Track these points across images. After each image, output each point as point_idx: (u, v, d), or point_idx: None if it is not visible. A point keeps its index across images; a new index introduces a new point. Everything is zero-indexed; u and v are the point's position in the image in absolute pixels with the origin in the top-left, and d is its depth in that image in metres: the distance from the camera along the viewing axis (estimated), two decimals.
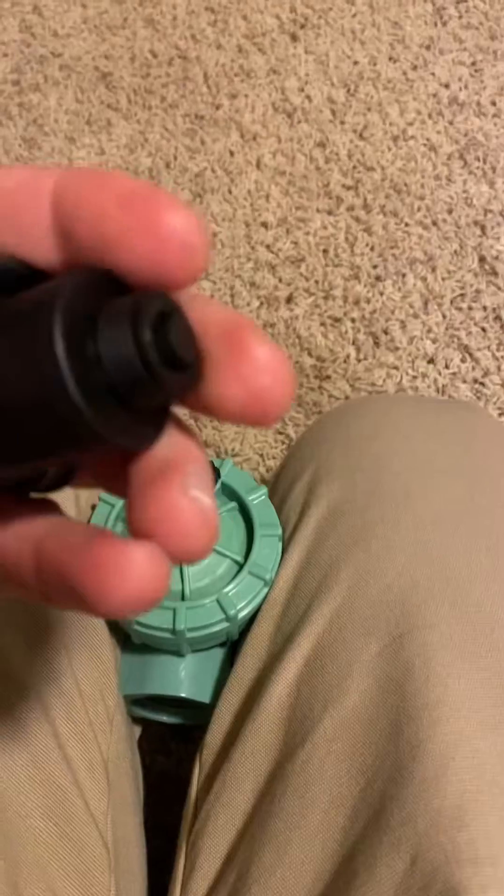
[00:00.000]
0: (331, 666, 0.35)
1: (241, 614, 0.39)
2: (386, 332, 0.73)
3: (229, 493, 0.43)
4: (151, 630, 0.39)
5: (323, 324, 0.74)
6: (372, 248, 0.78)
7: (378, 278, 0.76)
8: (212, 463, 0.42)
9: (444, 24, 0.94)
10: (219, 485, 0.43)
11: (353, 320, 0.74)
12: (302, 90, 0.90)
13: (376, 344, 0.73)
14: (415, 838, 0.28)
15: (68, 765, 0.35)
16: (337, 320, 0.74)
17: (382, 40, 0.93)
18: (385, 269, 0.77)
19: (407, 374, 0.71)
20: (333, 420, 0.48)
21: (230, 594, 0.39)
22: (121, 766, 0.39)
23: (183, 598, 0.40)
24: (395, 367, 0.71)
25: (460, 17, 0.94)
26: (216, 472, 0.42)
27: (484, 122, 0.86)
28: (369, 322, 0.74)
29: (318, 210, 0.81)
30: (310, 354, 0.73)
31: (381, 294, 0.75)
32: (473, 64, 0.91)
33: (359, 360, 0.72)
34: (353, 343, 0.73)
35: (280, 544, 0.41)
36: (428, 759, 0.29)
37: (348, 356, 0.72)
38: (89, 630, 0.40)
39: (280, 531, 0.41)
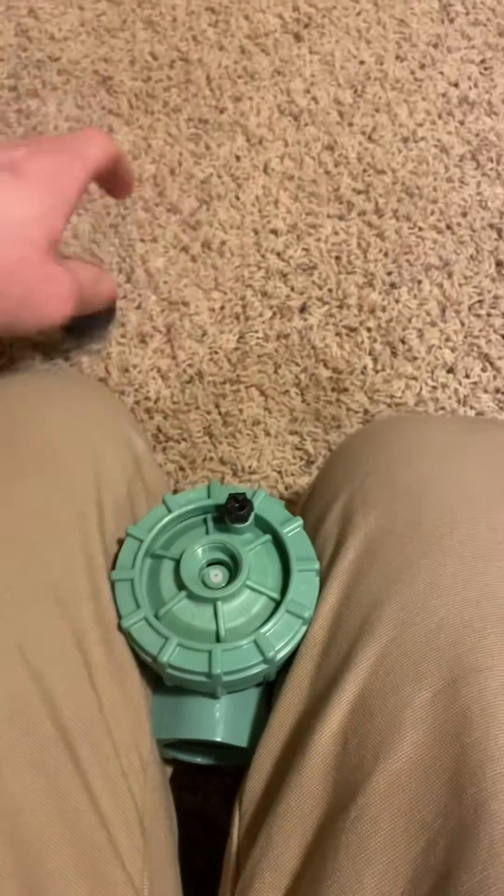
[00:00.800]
0: (379, 713, 0.33)
1: (280, 655, 0.37)
2: (403, 342, 0.71)
3: (263, 525, 0.41)
4: (186, 674, 0.37)
5: (338, 334, 0.72)
6: (386, 254, 0.76)
7: (393, 285, 0.74)
8: (244, 495, 0.40)
9: (452, 20, 0.91)
10: (252, 518, 0.40)
11: (368, 329, 0.72)
12: (308, 91, 0.87)
13: (394, 354, 0.71)
14: None
15: (101, 820, 0.33)
16: (352, 330, 0.72)
17: (389, 39, 0.90)
18: (400, 276, 0.74)
19: (426, 384, 0.69)
20: (363, 442, 0.46)
21: (268, 634, 0.37)
22: (157, 817, 0.37)
23: (218, 640, 0.38)
24: (414, 378, 0.69)
25: (467, 13, 0.92)
26: (248, 504, 0.40)
27: (496, 121, 0.84)
28: (386, 331, 0.72)
29: (328, 216, 0.79)
30: (326, 366, 0.71)
31: (397, 302, 0.73)
32: (483, 62, 0.88)
33: (376, 371, 0.70)
34: (370, 353, 0.71)
35: (318, 579, 0.39)
36: (495, 818, 0.27)
37: (365, 367, 0.70)
38: (121, 674, 0.38)
39: (317, 565, 0.39)
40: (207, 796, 0.55)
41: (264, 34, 0.92)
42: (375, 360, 0.70)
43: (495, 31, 0.90)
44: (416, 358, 0.70)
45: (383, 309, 0.73)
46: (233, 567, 0.40)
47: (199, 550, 0.40)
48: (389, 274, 0.75)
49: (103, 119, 0.87)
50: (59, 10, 0.94)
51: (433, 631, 0.34)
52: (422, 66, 0.89)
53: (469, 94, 0.86)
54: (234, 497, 0.39)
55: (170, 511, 0.41)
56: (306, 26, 0.92)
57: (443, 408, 0.68)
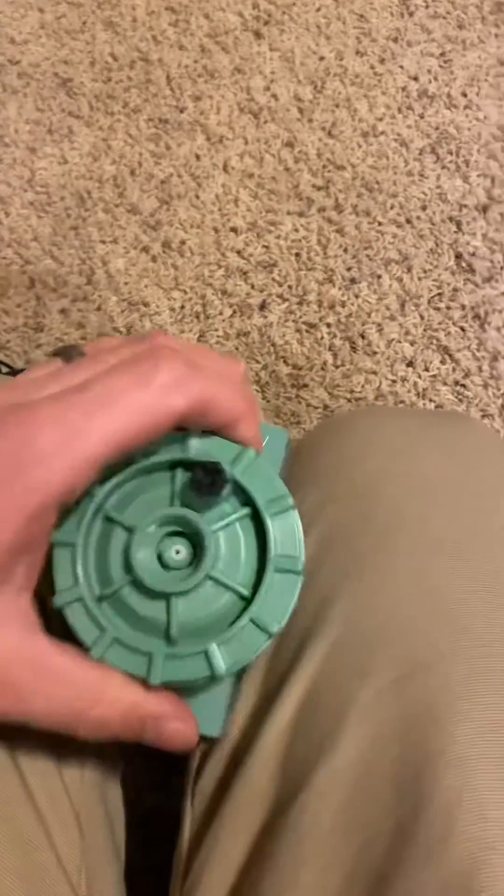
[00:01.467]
0: (325, 710, 0.33)
1: (233, 671, 0.31)
2: (363, 337, 0.71)
3: (244, 496, 0.31)
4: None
5: (298, 330, 0.72)
6: (345, 250, 0.76)
7: (353, 281, 0.74)
8: (216, 466, 0.30)
9: (411, 14, 0.91)
10: (227, 490, 0.31)
11: (328, 325, 0.72)
12: (268, 89, 0.87)
13: (353, 349, 0.71)
14: None
15: (38, 818, 0.33)
16: (312, 326, 0.72)
17: (348, 34, 0.90)
18: (360, 271, 0.74)
19: (386, 378, 0.69)
20: (320, 440, 0.46)
21: (221, 648, 0.30)
22: (95, 814, 0.37)
23: (167, 638, 0.31)
24: (374, 372, 0.69)
25: (427, 6, 0.92)
26: (220, 479, 0.30)
27: (455, 114, 0.84)
28: (345, 326, 0.72)
29: (288, 212, 0.79)
30: (286, 363, 0.71)
31: (357, 297, 0.73)
32: (442, 55, 0.88)
33: (336, 367, 0.70)
34: (330, 349, 0.71)
35: (300, 584, 0.31)
36: (432, 818, 0.27)
37: (325, 363, 0.70)
38: None
39: (302, 568, 0.31)
40: (169, 794, 0.55)
41: (224, 32, 0.92)
42: (335, 356, 0.70)
43: (455, 24, 0.90)
44: (375, 352, 0.70)
45: (343, 304, 0.73)
46: (196, 544, 0.32)
47: (153, 528, 0.31)
48: (349, 269, 0.75)
49: (64, 121, 0.87)
50: (18, 13, 0.94)
51: (380, 627, 0.34)
52: (381, 61, 0.89)
53: (429, 87, 0.86)
54: (203, 468, 0.29)
55: (129, 463, 0.31)
56: (266, 23, 0.92)
57: (402, 401, 0.68)
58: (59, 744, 0.36)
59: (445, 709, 0.30)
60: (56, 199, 0.81)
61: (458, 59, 0.88)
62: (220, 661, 0.30)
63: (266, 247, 0.77)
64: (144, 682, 0.30)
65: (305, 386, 0.70)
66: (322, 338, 0.71)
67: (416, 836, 0.27)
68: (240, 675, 0.36)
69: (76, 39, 0.92)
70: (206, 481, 0.30)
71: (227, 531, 0.31)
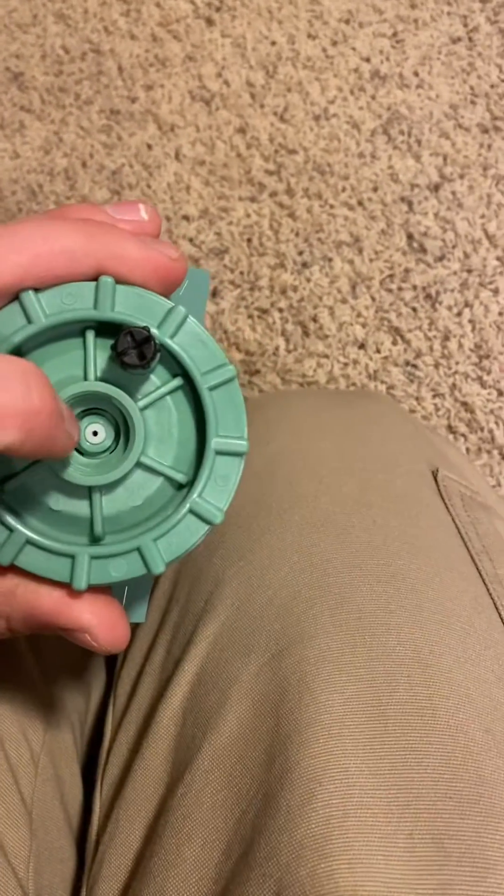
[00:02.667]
0: (212, 690, 0.33)
1: (171, 565, 0.27)
2: (315, 320, 0.71)
3: (176, 365, 0.26)
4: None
5: (250, 316, 0.72)
6: (297, 234, 0.75)
7: (304, 265, 0.74)
8: (145, 331, 0.24)
9: None
10: (156, 360, 0.25)
11: (280, 310, 0.72)
12: (220, 76, 0.87)
13: (305, 333, 0.70)
14: (278, 873, 0.25)
15: None
16: (264, 311, 0.72)
17: (300, 17, 0.90)
18: (311, 255, 0.74)
19: (338, 361, 0.69)
20: None
21: (158, 542, 0.25)
22: (48, 808, 0.37)
23: (92, 535, 0.26)
24: (326, 356, 0.69)
25: None
26: (151, 347, 0.24)
27: (407, 93, 0.83)
28: (297, 311, 0.71)
29: (240, 198, 0.78)
30: (238, 349, 0.70)
31: (309, 281, 0.73)
32: (395, 35, 0.88)
33: (289, 352, 0.70)
34: (282, 334, 0.71)
35: (242, 465, 0.26)
36: (295, 785, 0.27)
37: (277, 348, 0.70)
38: (8, 667, 0.38)
39: (245, 445, 0.26)
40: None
41: (176, 20, 0.91)
42: (287, 341, 0.70)
43: (407, 4, 0.89)
44: (327, 336, 0.70)
45: (295, 289, 0.72)
46: (120, 426, 0.27)
47: (68, 402, 0.25)
48: (301, 253, 0.74)
49: (15, 115, 0.86)
50: None
51: (265, 605, 0.33)
52: (334, 43, 0.88)
53: (381, 67, 0.85)
54: (130, 333, 0.24)
55: (30, 321, 0.25)
56: (218, 10, 0.91)
57: (353, 384, 0.68)
58: (11, 739, 0.36)
59: (320, 680, 0.30)
60: (7, 194, 0.81)
61: (410, 38, 0.87)
62: (158, 559, 0.25)
63: (218, 234, 0.76)
64: (68, 588, 0.25)
65: (258, 372, 0.69)
66: (274, 323, 0.71)
67: (279, 801, 0.27)
68: None
69: (27, 33, 0.92)
70: (135, 352, 0.24)
71: (155, 406, 0.26)
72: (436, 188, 0.76)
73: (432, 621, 0.32)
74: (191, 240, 0.76)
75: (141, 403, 0.26)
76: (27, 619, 0.25)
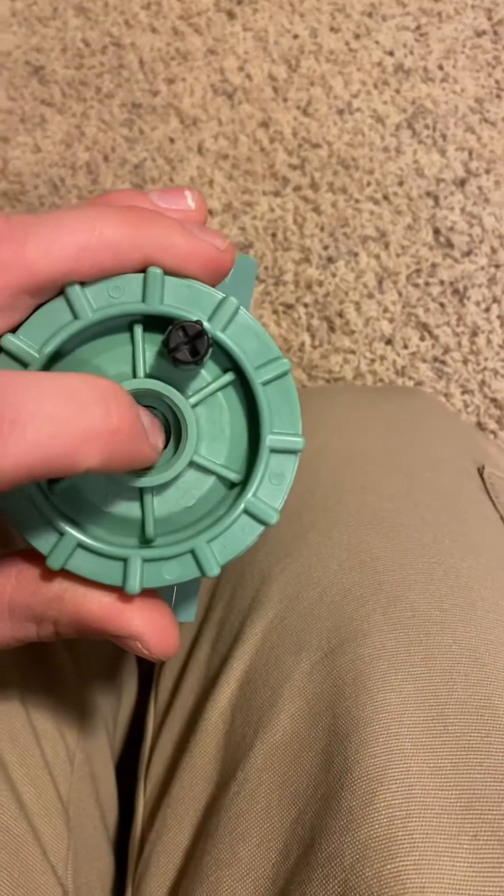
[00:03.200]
0: (263, 688, 0.33)
1: (225, 565, 0.25)
2: (341, 316, 0.70)
3: (226, 357, 0.25)
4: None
5: (275, 311, 0.71)
6: (322, 229, 0.75)
7: (330, 259, 0.73)
8: (199, 326, 0.23)
9: None
10: (208, 355, 0.24)
11: (305, 305, 0.71)
12: (242, 69, 0.86)
13: (331, 329, 0.70)
14: (342, 874, 0.25)
15: (23, 811, 0.33)
16: (289, 307, 0.71)
17: (322, 10, 0.89)
18: (337, 250, 0.73)
19: (365, 357, 0.68)
20: None
21: (213, 545, 0.24)
22: (85, 807, 0.37)
23: (143, 537, 0.25)
24: (352, 352, 0.68)
25: None
26: (205, 341, 0.23)
27: (432, 87, 0.82)
28: (323, 306, 0.71)
29: (264, 192, 0.78)
30: None
31: (334, 276, 0.72)
32: (418, 28, 0.87)
33: (314, 347, 0.69)
34: (308, 329, 0.70)
35: (296, 463, 0.25)
36: (356, 785, 0.27)
37: (303, 343, 0.69)
38: (45, 666, 0.37)
39: (301, 442, 0.25)
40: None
41: (197, 14, 0.90)
42: (313, 336, 0.70)
43: None
44: (353, 331, 0.69)
45: (320, 284, 0.72)
46: (171, 424, 0.26)
47: None
48: (326, 248, 0.74)
49: (36, 109, 0.86)
50: None
51: (315, 602, 0.33)
52: (356, 37, 0.87)
53: (404, 61, 0.85)
54: (182, 328, 0.23)
55: (76, 317, 0.24)
56: (239, 3, 0.91)
57: (381, 380, 0.67)
58: (47, 736, 0.36)
59: (376, 678, 0.29)
60: (30, 188, 0.81)
61: (434, 31, 0.86)
62: (213, 561, 0.24)
63: (242, 228, 0.76)
64: (119, 592, 0.24)
65: None
66: (299, 318, 0.70)
67: (339, 802, 0.26)
68: None
69: (47, 27, 0.91)
70: (187, 348, 0.23)
71: (207, 403, 0.25)
72: (462, 183, 0.76)
73: (487, 619, 0.31)
74: None
75: (192, 400, 0.25)
76: (75, 625, 0.24)
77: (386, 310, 0.70)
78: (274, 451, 0.25)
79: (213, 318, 0.24)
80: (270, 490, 0.25)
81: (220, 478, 0.25)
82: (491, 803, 0.26)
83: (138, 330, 0.24)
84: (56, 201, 0.79)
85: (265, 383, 0.25)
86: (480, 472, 0.39)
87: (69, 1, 0.93)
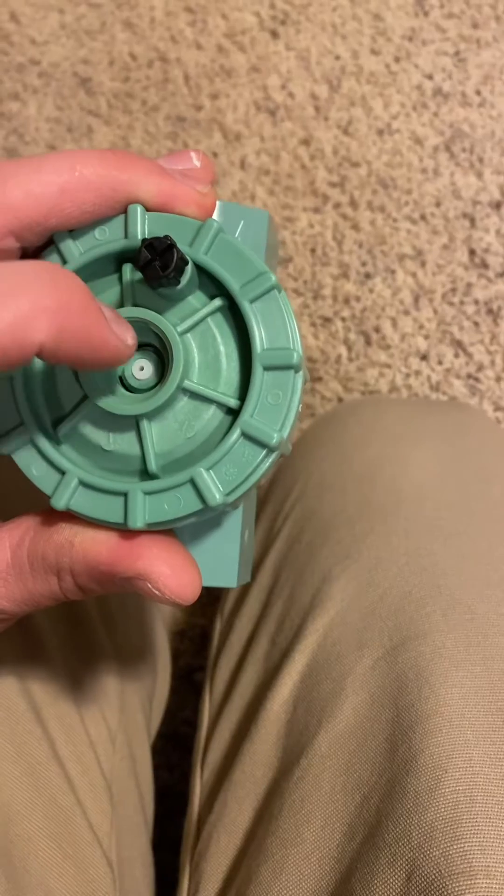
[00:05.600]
0: (325, 681, 0.34)
1: (229, 498, 0.24)
2: (377, 330, 0.72)
3: (214, 283, 0.25)
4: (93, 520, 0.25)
5: (313, 324, 0.73)
6: (360, 245, 0.77)
7: (367, 276, 0.75)
8: (166, 240, 0.23)
9: (426, 14, 0.92)
10: (188, 275, 0.24)
11: (343, 319, 0.73)
12: (284, 87, 0.88)
13: (368, 343, 0.72)
14: (409, 853, 0.27)
15: (70, 786, 0.34)
16: (327, 320, 0.73)
17: (364, 33, 0.92)
18: (374, 266, 0.76)
19: (400, 371, 0.70)
20: (326, 426, 0.47)
21: (211, 472, 0.24)
22: (125, 786, 0.39)
23: (145, 472, 0.25)
24: (388, 366, 0.70)
25: (442, 6, 0.93)
26: (172, 256, 0.22)
27: (469, 112, 0.85)
28: (360, 321, 0.73)
29: (304, 209, 0.80)
30: None
31: (371, 291, 0.74)
32: (457, 53, 0.89)
33: (350, 360, 0.71)
34: (345, 342, 0.72)
35: (297, 381, 0.24)
36: (421, 772, 0.29)
37: (340, 356, 0.71)
38: (88, 650, 0.39)
39: (298, 361, 0.24)
40: (184, 775, 0.56)
41: (241, 32, 0.93)
42: (350, 349, 0.72)
43: (469, 23, 0.91)
44: (389, 346, 0.71)
45: (357, 299, 0.74)
46: (166, 359, 0.25)
47: None
48: (364, 264, 0.76)
49: (83, 119, 0.88)
50: (39, 14, 0.96)
51: (376, 602, 0.35)
52: (396, 60, 0.90)
53: (443, 85, 0.87)
54: (149, 244, 0.23)
55: (65, 262, 0.24)
56: (283, 23, 0.93)
57: (416, 394, 0.69)
58: (91, 717, 0.37)
59: (438, 675, 0.31)
60: None
61: (472, 57, 0.89)
62: (213, 489, 0.24)
63: (282, 242, 0.78)
64: (124, 529, 0.24)
65: (320, 379, 0.71)
66: (337, 332, 0.73)
67: (405, 787, 0.28)
68: (246, 516, 0.29)
69: (95, 40, 0.94)
70: (156, 263, 0.23)
71: (197, 331, 0.25)
72: (497, 206, 0.78)
73: None
74: None
75: (180, 328, 0.24)
76: (89, 572, 0.23)
77: (421, 326, 0.72)
78: (267, 368, 0.24)
79: (193, 243, 0.24)
80: (269, 410, 0.24)
81: (219, 405, 0.25)
82: None
83: (126, 268, 0.25)
84: None
85: (252, 300, 0.24)
86: None
87: (117, 15, 0.95)
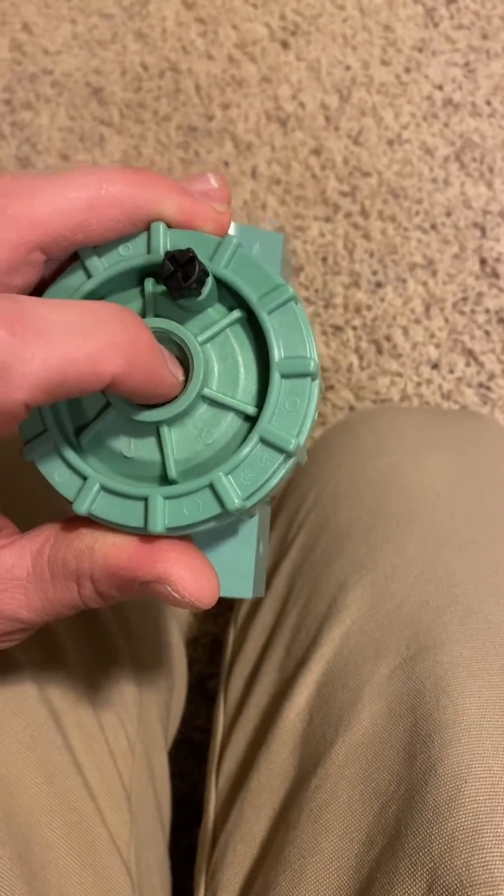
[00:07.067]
0: (342, 690, 0.34)
1: (248, 503, 0.25)
2: (388, 339, 0.72)
3: (233, 296, 0.26)
4: (115, 525, 0.26)
5: (324, 332, 0.74)
6: (371, 255, 0.77)
7: (378, 285, 0.75)
8: (189, 253, 0.24)
9: (436, 25, 0.93)
10: (209, 287, 0.25)
11: (354, 328, 0.73)
12: (295, 97, 0.89)
13: (379, 351, 0.72)
14: (430, 864, 0.27)
15: (90, 794, 0.34)
16: (338, 329, 0.74)
17: (374, 44, 0.92)
18: (385, 275, 0.76)
19: (411, 380, 0.70)
20: (337, 436, 0.48)
21: (230, 477, 0.24)
22: (144, 795, 0.39)
23: (165, 478, 0.25)
24: (399, 375, 0.71)
25: (451, 17, 0.93)
26: (194, 268, 0.24)
27: (479, 122, 0.85)
28: (371, 329, 0.73)
29: (315, 218, 0.80)
30: None
31: (382, 300, 0.74)
32: (466, 64, 0.90)
33: (362, 369, 0.71)
34: (356, 351, 0.72)
35: (314, 389, 0.25)
36: (441, 782, 0.29)
37: (351, 365, 0.72)
38: (107, 660, 0.39)
39: (315, 369, 0.25)
40: (196, 783, 0.56)
41: (252, 43, 0.93)
42: (361, 358, 0.72)
43: (479, 35, 0.91)
44: (400, 355, 0.71)
45: (369, 308, 0.74)
46: (184, 363, 0.26)
47: None
48: (375, 273, 0.76)
49: (95, 129, 0.89)
50: (52, 24, 0.97)
51: (393, 611, 0.35)
52: (407, 70, 0.90)
53: (453, 96, 0.87)
54: (172, 257, 0.24)
55: (89, 275, 0.25)
56: (293, 34, 0.94)
57: (427, 403, 0.69)
58: (110, 726, 0.38)
59: (455, 684, 0.31)
60: None
61: (482, 68, 0.89)
62: (232, 493, 0.24)
63: (293, 251, 0.78)
64: (144, 533, 0.25)
65: (331, 387, 0.71)
66: (348, 340, 0.73)
67: (425, 797, 0.28)
68: (261, 527, 0.29)
69: (107, 50, 0.95)
70: (178, 274, 0.24)
71: (217, 341, 0.26)
72: None
73: None
74: None
75: (200, 338, 0.25)
76: (110, 577, 0.24)
77: (432, 335, 0.72)
78: (285, 376, 0.25)
79: (213, 257, 0.25)
80: (286, 417, 0.24)
81: (237, 413, 0.25)
82: None
83: (149, 281, 0.26)
84: None
85: (270, 311, 0.25)
86: None
87: (128, 26, 0.96)
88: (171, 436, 0.25)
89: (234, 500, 0.24)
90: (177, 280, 0.24)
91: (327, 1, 0.95)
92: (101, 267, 0.25)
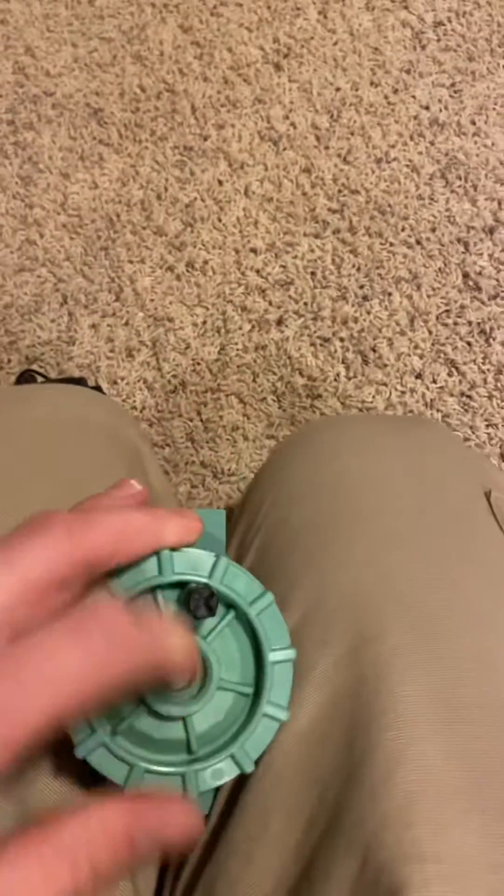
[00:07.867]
0: None
1: (255, 761, 0.33)
2: (374, 350, 0.75)
3: (225, 600, 0.34)
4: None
5: (313, 344, 0.76)
6: (358, 269, 0.80)
7: (365, 298, 0.78)
8: (207, 587, 0.32)
9: (423, 47, 0.96)
10: (217, 604, 0.33)
11: (341, 340, 0.76)
12: (287, 118, 0.92)
13: (365, 362, 0.75)
14: (364, 839, 0.29)
15: None
16: (326, 340, 0.76)
17: (363, 66, 0.96)
18: (371, 289, 0.79)
19: (396, 390, 0.73)
20: (292, 445, 0.50)
21: (246, 747, 0.32)
22: None
23: (189, 751, 0.32)
24: (384, 384, 0.74)
25: (438, 40, 0.97)
26: (213, 597, 0.32)
27: (464, 141, 0.88)
28: (357, 341, 0.76)
29: (305, 234, 0.83)
30: (301, 374, 0.75)
31: (369, 313, 0.77)
32: (453, 85, 0.93)
33: (349, 378, 0.74)
34: (343, 361, 0.75)
35: (292, 668, 0.34)
36: (376, 764, 0.30)
37: (338, 374, 0.75)
38: None
39: (293, 652, 0.33)
40: None
41: (246, 65, 0.97)
42: (348, 368, 0.75)
43: (465, 57, 0.95)
44: (385, 365, 0.74)
45: (355, 320, 0.77)
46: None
47: None
48: (361, 287, 0.79)
49: (95, 148, 0.92)
50: (53, 47, 1.00)
51: (338, 606, 0.37)
52: (395, 91, 0.93)
53: (439, 115, 0.91)
54: (196, 591, 0.31)
55: (112, 594, 0.33)
56: (286, 56, 0.97)
57: (411, 411, 0.72)
58: None
59: (394, 673, 0.33)
60: (87, 222, 0.87)
61: (467, 89, 0.92)
62: (248, 760, 0.32)
63: (283, 266, 0.82)
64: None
65: (319, 396, 0.74)
66: (335, 351, 0.76)
67: (362, 778, 0.30)
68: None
69: (107, 72, 0.98)
70: (203, 606, 0.32)
71: (219, 638, 0.34)
72: (491, 231, 0.81)
73: (490, 629, 0.36)
74: (258, 271, 0.82)
75: (208, 639, 0.33)
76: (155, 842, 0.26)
77: (416, 346, 0.75)
78: (275, 662, 0.33)
79: (212, 575, 0.33)
80: (279, 693, 0.33)
81: (239, 693, 0.33)
82: (499, 785, 0.30)
83: (159, 595, 0.33)
84: (112, 235, 0.85)
85: (258, 613, 0.33)
86: (487, 496, 0.43)
87: (127, 49, 1.00)
88: (192, 721, 0.33)
89: (250, 764, 0.32)
90: (202, 611, 0.32)
91: (319, 24, 0.98)
92: (122, 588, 0.32)
